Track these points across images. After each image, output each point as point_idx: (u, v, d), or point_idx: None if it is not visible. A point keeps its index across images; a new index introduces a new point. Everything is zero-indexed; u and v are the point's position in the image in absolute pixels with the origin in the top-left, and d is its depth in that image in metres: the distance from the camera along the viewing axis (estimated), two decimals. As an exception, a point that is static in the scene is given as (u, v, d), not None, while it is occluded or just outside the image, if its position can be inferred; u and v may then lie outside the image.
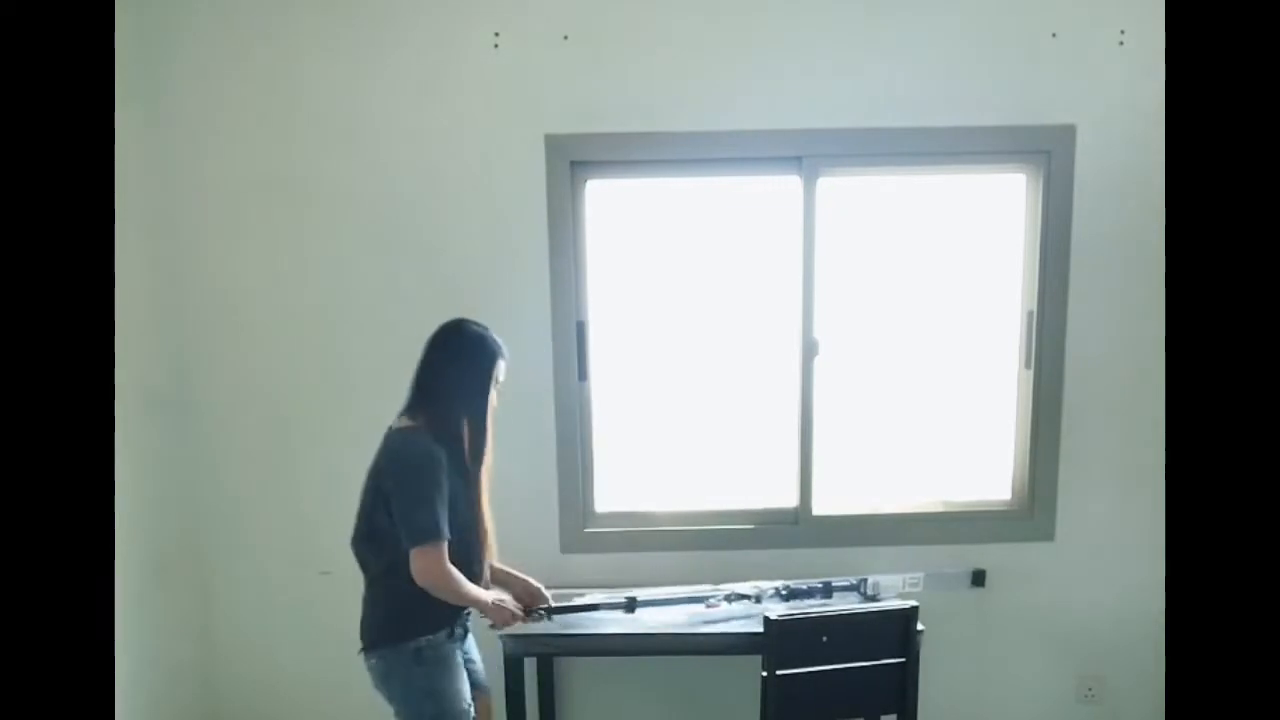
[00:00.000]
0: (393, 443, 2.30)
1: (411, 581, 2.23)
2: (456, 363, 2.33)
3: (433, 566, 2.22)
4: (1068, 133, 2.99)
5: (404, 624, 2.29)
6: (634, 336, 3.20)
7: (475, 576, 2.39)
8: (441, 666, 2.33)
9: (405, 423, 2.32)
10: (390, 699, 2.35)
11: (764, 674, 2.42)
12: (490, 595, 2.44)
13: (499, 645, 2.73)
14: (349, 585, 3.11)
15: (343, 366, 3.10)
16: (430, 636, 2.32)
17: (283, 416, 3.14)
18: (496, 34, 2.94)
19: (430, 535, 2.20)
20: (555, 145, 2.99)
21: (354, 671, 3.22)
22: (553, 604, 2.63)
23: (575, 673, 3.27)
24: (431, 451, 2.24)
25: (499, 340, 2.42)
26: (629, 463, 3.27)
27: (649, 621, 2.82)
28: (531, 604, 2.59)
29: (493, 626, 2.50)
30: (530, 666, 2.94)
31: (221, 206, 3.04)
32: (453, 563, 2.27)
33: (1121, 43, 2.94)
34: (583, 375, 3.13)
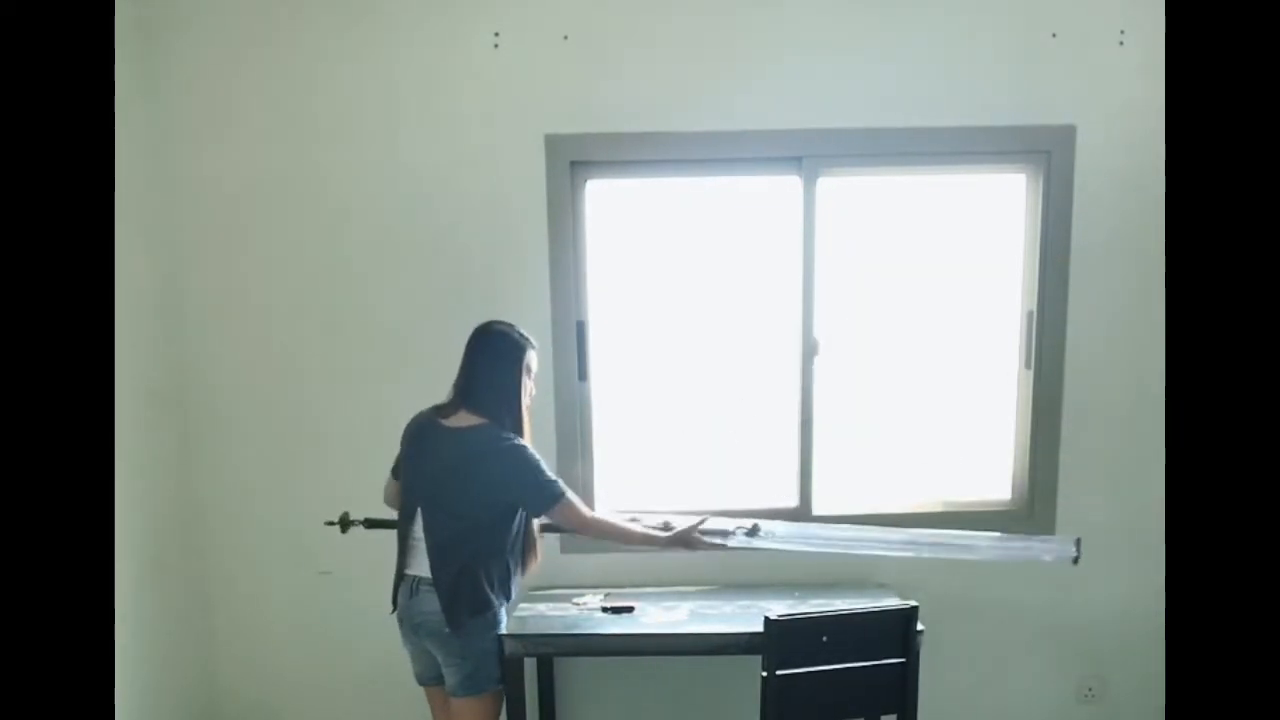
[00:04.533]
0: (484, 441, 2.47)
1: (497, 558, 2.49)
2: (491, 362, 2.53)
3: (576, 514, 2.55)
4: (1068, 133, 2.99)
5: (489, 596, 2.49)
6: (634, 336, 3.20)
7: (524, 562, 2.64)
8: (500, 629, 2.57)
9: (474, 420, 2.48)
10: (464, 663, 2.51)
11: (764, 674, 2.42)
12: (655, 531, 2.70)
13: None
14: (349, 585, 3.14)
15: (343, 366, 3.11)
16: (506, 604, 2.57)
17: (283, 417, 3.14)
18: (496, 34, 2.94)
19: (562, 492, 2.50)
20: (555, 145, 2.99)
21: (354, 670, 3.24)
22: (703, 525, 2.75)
23: (575, 673, 3.28)
24: (520, 439, 2.51)
25: (525, 333, 2.58)
26: (629, 462, 3.27)
27: (649, 621, 2.83)
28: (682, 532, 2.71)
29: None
30: (530, 666, 2.94)
31: (221, 206, 3.04)
32: (511, 549, 2.53)
33: (1121, 43, 2.94)
34: (583, 375, 3.14)
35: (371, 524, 2.82)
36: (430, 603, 2.47)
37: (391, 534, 2.63)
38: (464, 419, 2.49)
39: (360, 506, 2.90)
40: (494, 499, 2.46)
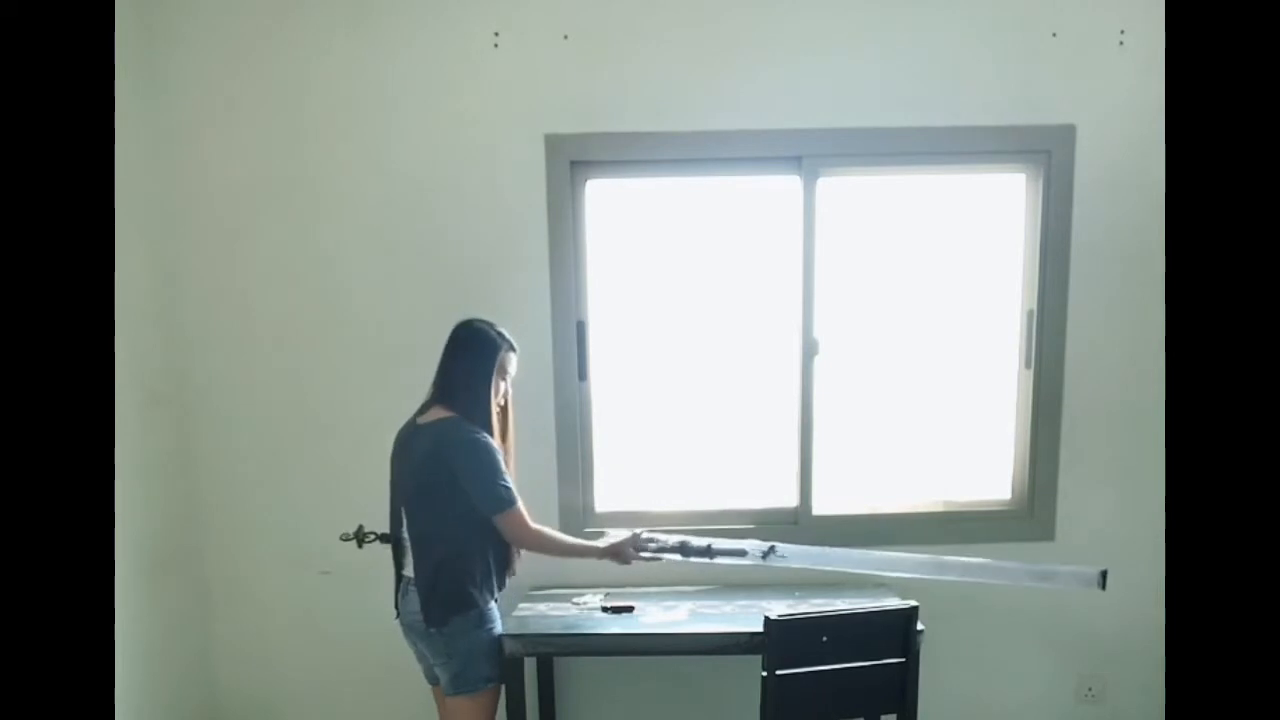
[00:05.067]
0: (448, 431, 2.46)
1: (478, 554, 2.49)
2: (465, 358, 2.52)
3: (520, 528, 2.51)
4: (1068, 133, 2.99)
5: (472, 593, 2.48)
6: (634, 336, 3.20)
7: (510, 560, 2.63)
8: (496, 625, 2.57)
9: (444, 413, 2.49)
10: (450, 662, 2.50)
11: (764, 674, 2.42)
12: (590, 542, 2.75)
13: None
14: (349, 585, 3.14)
15: (343, 366, 3.11)
16: (492, 601, 2.55)
17: (283, 416, 3.14)
18: (496, 34, 2.94)
19: (511, 501, 2.48)
20: (555, 145, 2.99)
21: (354, 670, 3.24)
22: (646, 536, 2.77)
23: (575, 673, 3.28)
24: (486, 435, 2.49)
25: (505, 334, 2.56)
26: (629, 463, 3.27)
27: (649, 621, 2.83)
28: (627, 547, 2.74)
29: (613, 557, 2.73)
30: (530, 666, 2.95)
31: (221, 206, 3.04)
32: (492, 545, 2.52)
33: (1121, 43, 2.94)
34: (583, 375, 3.14)
35: (387, 539, 2.81)
36: (416, 603, 2.48)
37: None
38: (435, 414, 2.50)
39: (360, 507, 2.90)
40: (460, 491, 2.44)
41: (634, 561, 2.73)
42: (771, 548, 2.74)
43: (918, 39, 2.94)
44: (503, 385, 2.57)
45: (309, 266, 3.07)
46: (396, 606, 2.61)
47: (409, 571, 2.53)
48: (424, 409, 2.54)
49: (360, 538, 2.87)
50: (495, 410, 2.55)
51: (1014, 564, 2.77)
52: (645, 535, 2.77)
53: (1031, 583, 2.74)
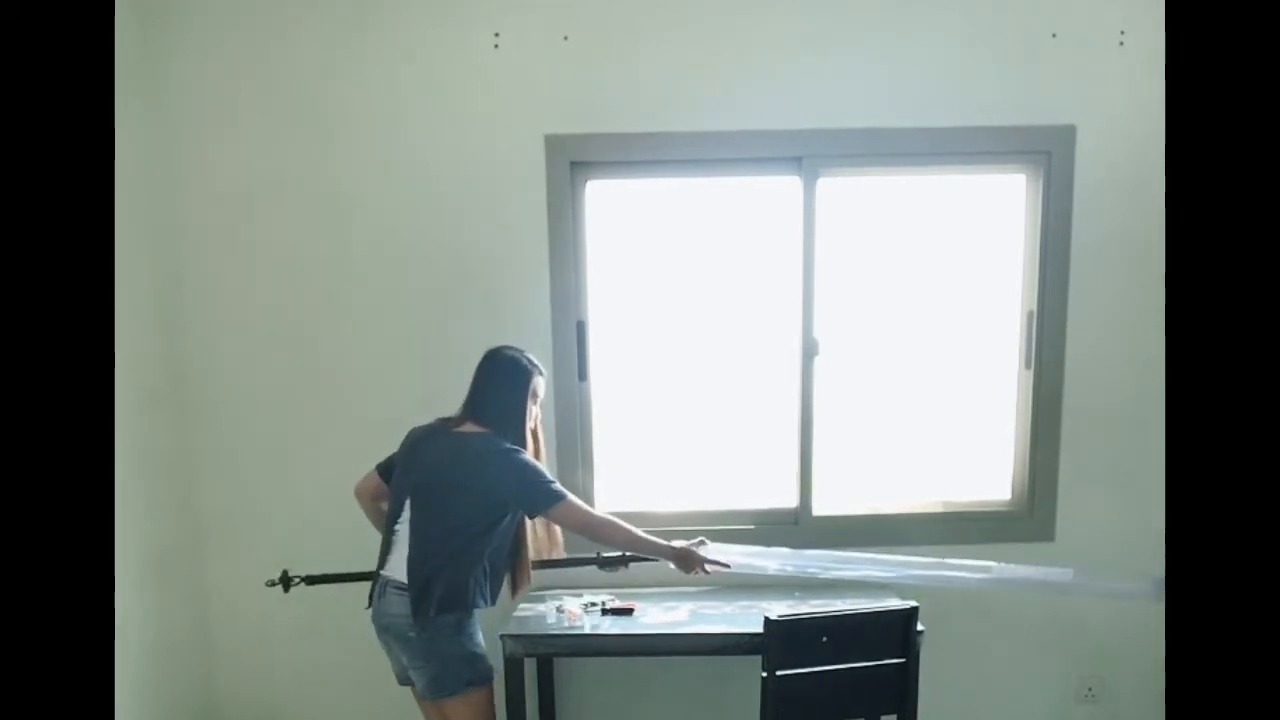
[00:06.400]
0: (486, 443, 2.50)
1: (475, 562, 2.47)
2: (499, 387, 2.57)
3: (582, 514, 2.55)
4: (1068, 133, 2.99)
5: (461, 596, 2.47)
6: (634, 336, 3.20)
7: (515, 582, 2.66)
8: (477, 636, 2.53)
9: (475, 428, 2.53)
10: (428, 665, 2.49)
11: (764, 674, 2.42)
12: (660, 539, 2.66)
13: (499, 645, 2.73)
14: (349, 585, 3.13)
15: (342, 366, 3.11)
16: (476, 611, 2.53)
17: (282, 416, 3.14)
18: (496, 34, 2.94)
19: (562, 494, 2.51)
20: (555, 145, 2.99)
21: (353, 671, 3.24)
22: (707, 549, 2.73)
23: (575, 673, 3.28)
24: (518, 449, 2.53)
25: (532, 359, 2.62)
26: (629, 463, 3.27)
27: (649, 622, 2.83)
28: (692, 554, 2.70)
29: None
30: (530, 666, 2.95)
31: (222, 206, 3.04)
32: (489, 558, 2.51)
33: (1121, 43, 2.94)
34: (583, 375, 3.14)
35: (312, 580, 2.85)
36: (396, 605, 2.47)
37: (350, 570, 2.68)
38: (470, 427, 2.53)
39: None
40: (485, 498, 2.46)
41: (699, 569, 2.68)
42: (700, 541, 2.73)
43: (918, 39, 2.94)
44: (534, 409, 2.62)
45: (308, 267, 3.07)
46: (370, 600, 2.60)
47: (390, 572, 2.52)
48: (454, 422, 2.56)
49: (286, 582, 2.88)
50: (529, 433, 2.60)
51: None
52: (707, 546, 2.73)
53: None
